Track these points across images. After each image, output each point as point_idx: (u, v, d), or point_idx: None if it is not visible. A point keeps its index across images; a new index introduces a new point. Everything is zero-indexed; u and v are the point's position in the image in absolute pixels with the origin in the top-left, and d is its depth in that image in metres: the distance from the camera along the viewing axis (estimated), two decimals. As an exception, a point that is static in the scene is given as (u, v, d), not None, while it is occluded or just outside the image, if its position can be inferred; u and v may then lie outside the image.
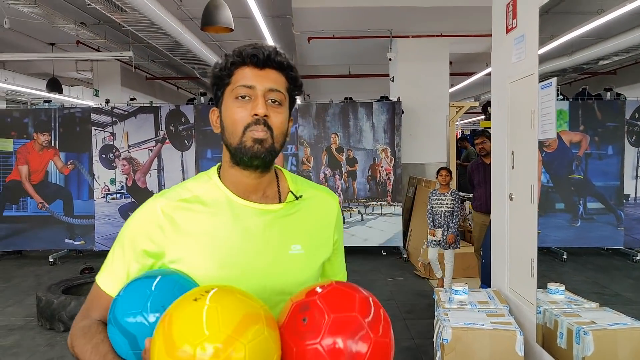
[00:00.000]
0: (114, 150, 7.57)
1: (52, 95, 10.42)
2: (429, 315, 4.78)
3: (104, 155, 7.57)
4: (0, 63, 10.19)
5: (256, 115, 1.05)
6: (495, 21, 3.86)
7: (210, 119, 1.17)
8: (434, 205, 5.49)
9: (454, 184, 8.75)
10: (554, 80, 3.01)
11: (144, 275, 1.05)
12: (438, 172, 5.58)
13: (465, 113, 9.12)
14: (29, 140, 7.51)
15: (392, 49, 8.31)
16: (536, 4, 3.18)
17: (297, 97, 1.18)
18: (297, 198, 1.18)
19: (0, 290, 6.07)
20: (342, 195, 7.52)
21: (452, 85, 11.20)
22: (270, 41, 7.52)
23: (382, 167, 7.51)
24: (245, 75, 1.08)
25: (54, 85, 10.09)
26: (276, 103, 1.08)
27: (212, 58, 8.28)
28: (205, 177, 1.18)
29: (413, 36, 8.20)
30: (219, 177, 1.16)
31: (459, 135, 13.65)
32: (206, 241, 1.09)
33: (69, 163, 7.56)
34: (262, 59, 1.07)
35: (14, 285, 6.34)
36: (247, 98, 1.07)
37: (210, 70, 1.14)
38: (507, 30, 3.60)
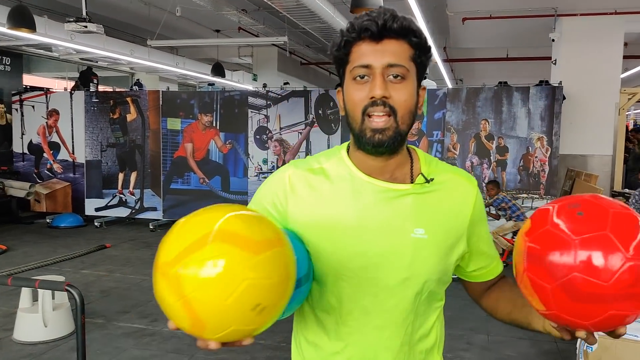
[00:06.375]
0: (267, 132, 7.98)
1: (215, 79, 11.27)
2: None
3: (258, 137, 8.02)
4: (174, 50, 11.25)
5: (373, 97, 0.98)
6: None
7: (337, 101, 1.12)
8: None
9: (619, 182, 7.82)
10: None
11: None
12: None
13: (639, 102, 8.12)
14: (194, 120, 8.20)
15: (556, 29, 7.63)
16: None
17: (428, 62, 1.06)
18: (427, 181, 1.07)
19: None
20: (490, 185, 7.12)
21: (625, 70, 10.00)
22: (422, 23, 7.24)
23: (536, 157, 6.96)
24: (362, 53, 0.99)
25: (218, 70, 10.88)
26: (398, 78, 0.99)
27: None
28: (336, 151, 1.14)
29: (581, 14, 7.43)
30: (348, 153, 1.12)
31: (631, 127, 12.30)
32: (321, 216, 1.06)
33: (227, 142, 8.13)
34: (377, 30, 0.97)
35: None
36: (365, 78, 1.00)
37: (329, 49, 1.08)
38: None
